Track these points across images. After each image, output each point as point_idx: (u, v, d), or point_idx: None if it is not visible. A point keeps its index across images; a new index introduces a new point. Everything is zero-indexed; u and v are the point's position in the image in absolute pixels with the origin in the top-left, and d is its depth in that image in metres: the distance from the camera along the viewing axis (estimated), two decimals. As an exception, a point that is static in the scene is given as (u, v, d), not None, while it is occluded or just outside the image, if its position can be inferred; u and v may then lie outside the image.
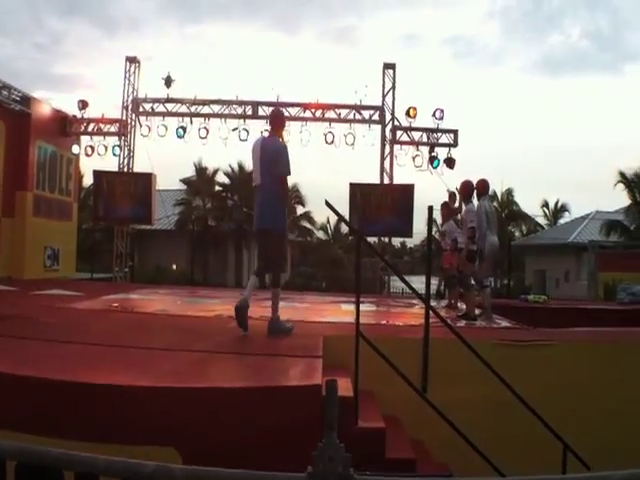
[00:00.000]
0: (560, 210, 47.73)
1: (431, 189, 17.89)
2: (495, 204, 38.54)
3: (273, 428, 4.30)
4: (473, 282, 10.24)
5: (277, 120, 7.80)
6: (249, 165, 33.19)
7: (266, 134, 8.09)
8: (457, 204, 12.14)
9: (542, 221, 47.33)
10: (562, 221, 46.09)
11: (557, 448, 5.77)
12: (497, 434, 6.03)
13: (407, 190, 17.17)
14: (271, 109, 17.54)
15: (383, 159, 18.06)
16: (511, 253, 28.40)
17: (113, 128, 18.39)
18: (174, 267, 32.43)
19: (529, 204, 72.16)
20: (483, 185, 10.31)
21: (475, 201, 10.43)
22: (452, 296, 12.09)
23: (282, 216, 7.44)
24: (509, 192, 42.95)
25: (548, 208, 47.87)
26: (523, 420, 5.76)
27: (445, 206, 12.40)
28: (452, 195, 12.87)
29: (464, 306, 10.56)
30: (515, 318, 10.09)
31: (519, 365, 6.76)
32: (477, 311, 10.09)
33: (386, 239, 18.96)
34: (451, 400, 5.84)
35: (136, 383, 4.65)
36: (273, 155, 7.21)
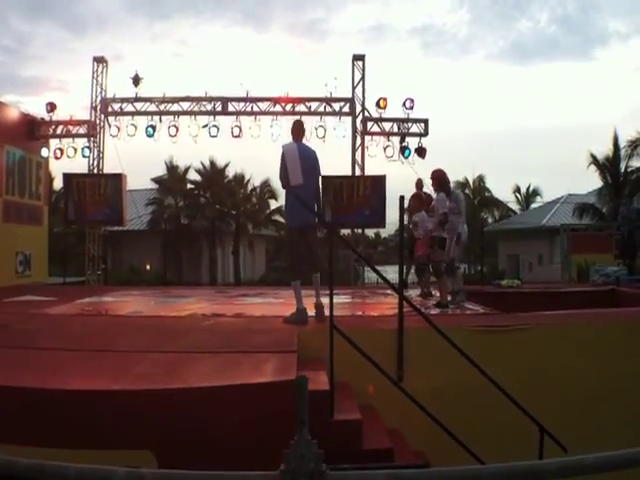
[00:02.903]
0: (532, 195, 48.19)
1: (403, 179, 17.93)
2: (467, 191, 38.82)
3: (249, 426, 4.30)
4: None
5: (298, 129, 8.75)
6: (221, 162, 33.01)
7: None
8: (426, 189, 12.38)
9: (514, 206, 47.76)
10: (534, 205, 46.48)
11: (534, 432, 5.82)
12: (474, 420, 6.08)
13: (379, 181, 17.19)
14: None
15: (354, 151, 18.06)
16: (484, 239, 28.59)
17: (82, 130, 18.20)
18: (148, 267, 32.28)
19: (501, 190, 72.74)
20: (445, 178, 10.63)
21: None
22: (424, 284, 12.13)
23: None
24: (481, 179, 43.24)
25: (520, 193, 48.34)
26: (500, 405, 5.80)
27: (414, 198, 12.38)
28: (420, 182, 13.00)
29: (438, 293, 10.60)
30: (489, 304, 10.16)
31: (494, 351, 6.82)
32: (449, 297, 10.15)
33: (359, 230, 18.98)
34: (427, 388, 5.88)
35: (110, 387, 4.63)
36: (313, 160, 8.23)
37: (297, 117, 17.41)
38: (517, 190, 48.28)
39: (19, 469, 2.20)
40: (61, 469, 2.16)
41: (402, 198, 11.89)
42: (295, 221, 8.00)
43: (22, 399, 4.37)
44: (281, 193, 36.15)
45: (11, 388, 4.47)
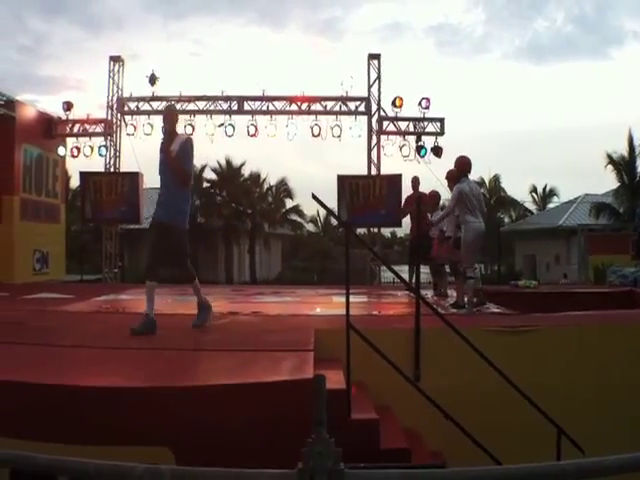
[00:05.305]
0: (549, 195, 47.95)
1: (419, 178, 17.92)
2: (483, 190, 38.56)
3: (266, 424, 4.31)
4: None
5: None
6: (237, 161, 33.06)
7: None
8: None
9: (531, 206, 47.53)
10: (551, 206, 46.24)
11: (551, 433, 5.79)
12: (490, 420, 6.05)
13: (395, 180, 17.16)
14: (257, 103, 17.70)
15: (370, 150, 18.06)
16: (500, 239, 28.47)
17: (99, 128, 18.34)
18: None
19: (518, 190, 72.42)
20: (462, 165, 9.66)
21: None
22: (441, 284, 12.10)
23: None
24: (496, 178, 43.01)
25: (537, 193, 48.09)
26: (516, 406, 5.78)
27: (430, 197, 12.32)
28: (415, 180, 13.02)
29: (455, 294, 10.54)
30: (506, 304, 10.11)
31: (511, 351, 6.78)
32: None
33: (376, 229, 18.97)
34: (444, 388, 5.86)
35: (128, 384, 4.65)
36: None
37: (312, 117, 17.50)
38: (534, 190, 48.09)
39: (39, 465, 2.22)
40: (80, 465, 2.17)
41: (418, 198, 11.87)
42: (186, 220, 7.38)
43: (40, 396, 4.39)
44: (297, 192, 36.50)
45: (29, 385, 4.49)
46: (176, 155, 7.12)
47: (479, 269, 10.33)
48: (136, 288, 14.62)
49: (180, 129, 17.14)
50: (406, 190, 14.67)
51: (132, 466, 2.15)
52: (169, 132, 7.47)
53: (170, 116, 7.61)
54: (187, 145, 7.30)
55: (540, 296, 13.03)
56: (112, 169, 18.51)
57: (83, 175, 18.22)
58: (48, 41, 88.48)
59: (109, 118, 18.40)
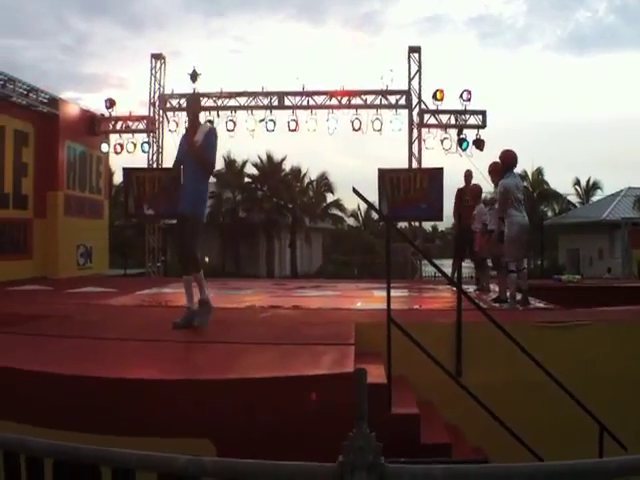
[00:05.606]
0: (592, 188, 47.06)
1: (460, 172, 17.73)
2: (526, 183, 38.03)
3: (306, 417, 4.32)
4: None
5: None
6: (278, 155, 33.16)
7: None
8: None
9: (574, 199, 46.78)
10: (594, 199, 45.46)
11: (593, 430, 5.70)
12: (532, 416, 5.99)
13: (436, 174, 17.03)
14: (297, 99, 17.73)
15: (411, 143, 17.98)
16: (543, 233, 28.09)
17: (141, 125, 18.56)
18: (206, 260, 32.68)
19: (560, 183, 71.15)
20: (507, 159, 9.42)
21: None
22: (483, 279, 11.98)
23: None
24: (539, 171, 42.43)
25: (580, 186, 47.25)
26: (559, 402, 5.70)
27: (473, 189, 12.24)
28: (468, 174, 12.79)
29: (497, 288, 10.43)
30: (549, 298, 9.97)
31: (554, 346, 6.70)
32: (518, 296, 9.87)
33: (417, 223, 18.88)
34: (486, 383, 5.81)
35: (170, 377, 4.70)
36: None
37: (353, 111, 17.47)
38: (577, 183, 47.30)
39: (82, 456, 2.25)
40: (124, 456, 2.20)
41: (460, 191, 11.75)
42: (204, 209, 7.35)
43: (84, 388, 4.46)
44: (338, 186, 36.50)
45: (74, 377, 4.57)
46: (200, 145, 7.05)
47: (525, 266, 10.08)
48: (178, 282, 14.75)
49: (222, 125, 17.41)
50: (449, 184, 14.59)
51: (174, 457, 2.17)
52: (192, 122, 7.42)
53: (194, 105, 7.62)
54: (211, 135, 7.21)
55: (583, 290, 12.83)
56: (155, 165, 18.71)
57: (126, 171, 18.42)
58: (90, 40, 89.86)
59: (151, 115, 18.61)
